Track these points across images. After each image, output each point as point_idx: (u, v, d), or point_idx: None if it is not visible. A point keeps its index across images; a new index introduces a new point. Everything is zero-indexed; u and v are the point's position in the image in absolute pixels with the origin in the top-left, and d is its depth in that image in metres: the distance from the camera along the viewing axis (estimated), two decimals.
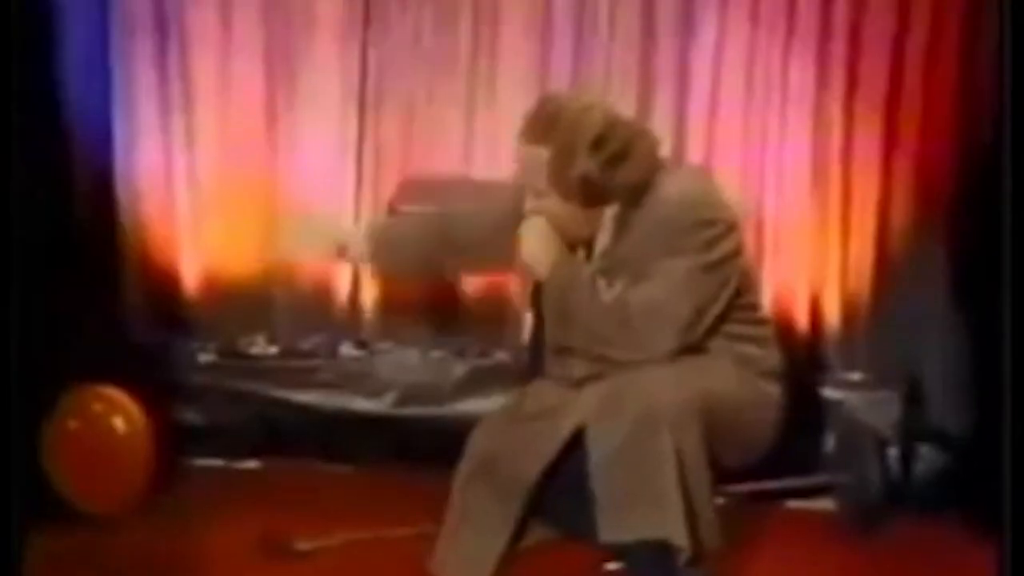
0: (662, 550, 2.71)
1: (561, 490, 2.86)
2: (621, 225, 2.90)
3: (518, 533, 2.93)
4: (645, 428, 2.68)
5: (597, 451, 2.73)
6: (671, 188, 2.87)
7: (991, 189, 4.29)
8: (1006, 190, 3.16)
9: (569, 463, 2.84)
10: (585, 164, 2.82)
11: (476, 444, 2.98)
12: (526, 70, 4.73)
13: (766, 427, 2.96)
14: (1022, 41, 3.16)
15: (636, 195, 2.87)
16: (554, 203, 2.87)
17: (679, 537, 2.68)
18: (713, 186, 2.98)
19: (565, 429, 2.84)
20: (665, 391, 2.72)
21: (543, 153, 2.83)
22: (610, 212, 2.91)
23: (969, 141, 4.51)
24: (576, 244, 2.96)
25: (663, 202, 2.85)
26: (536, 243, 2.90)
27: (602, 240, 2.94)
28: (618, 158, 2.83)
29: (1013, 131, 3.14)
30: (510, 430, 2.94)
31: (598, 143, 2.82)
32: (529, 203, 2.92)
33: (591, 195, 2.85)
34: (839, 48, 4.65)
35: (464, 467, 2.97)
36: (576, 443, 2.82)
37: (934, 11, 4.59)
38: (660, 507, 2.68)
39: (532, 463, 2.86)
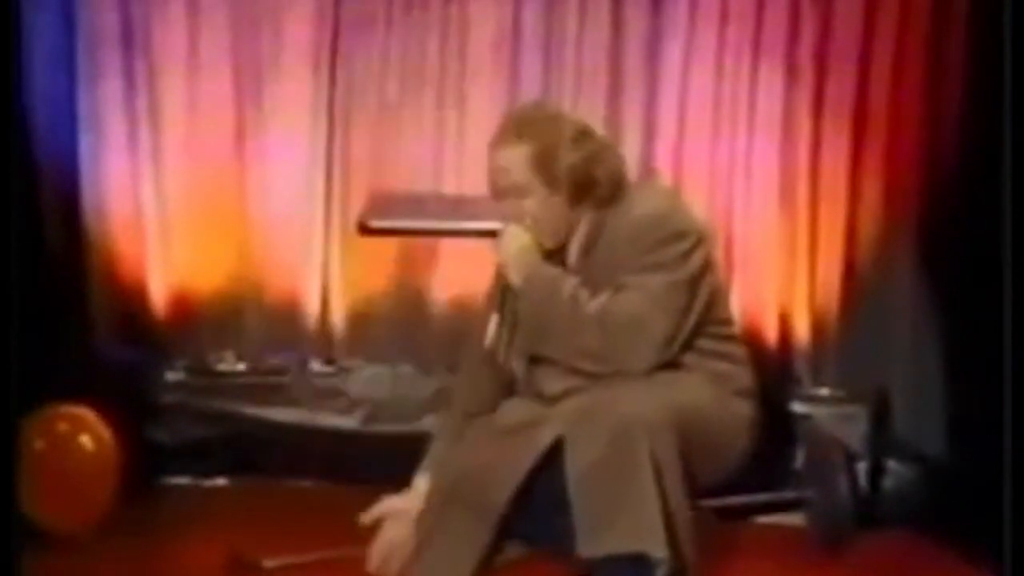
0: (638, 564, 2.69)
1: (536, 505, 2.84)
2: (593, 235, 2.90)
3: (492, 550, 2.91)
4: (623, 440, 2.67)
5: (574, 464, 2.71)
6: (643, 201, 2.90)
7: (958, 206, 4.35)
8: (1005, 205, 3.18)
9: (544, 477, 2.82)
10: (570, 156, 2.85)
11: (448, 461, 2.96)
12: (495, 85, 4.74)
13: (739, 446, 2.95)
14: (1022, 49, 3.20)
15: (609, 201, 2.88)
16: (538, 200, 2.86)
17: (658, 549, 2.66)
18: (681, 201, 3.03)
19: (542, 442, 2.81)
20: (642, 403, 2.71)
21: (525, 149, 2.85)
22: (584, 221, 2.91)
23: (936, 159, 4.54)
24: (550, 252, 2.94)
25: (636, 214, 2.86)
26: (514, 249, 2.89)
27: (574, 250, 2.94)
28: (596, 157, 2.88)
29: (1013, 142, 3.18)
30: (484, 446, 2.92)
31: (577, 140, 2.88)
32: (508, 208, 2.89)
33: (578, 186, 2.86)
34: (806, 69, 4.68)
35: (436, 484, 2.95)
36: (551, 457, 2.81)
37: (899, 32, 4.63)
38: (639, 520, 2.66)
39: (507, 478, 2.83)
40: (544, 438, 2.82)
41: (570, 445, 2.74)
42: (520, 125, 2.91)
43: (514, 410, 2.99)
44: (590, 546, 2.70)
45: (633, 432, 2.67)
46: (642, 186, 3.03)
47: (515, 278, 2.89)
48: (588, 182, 2.86)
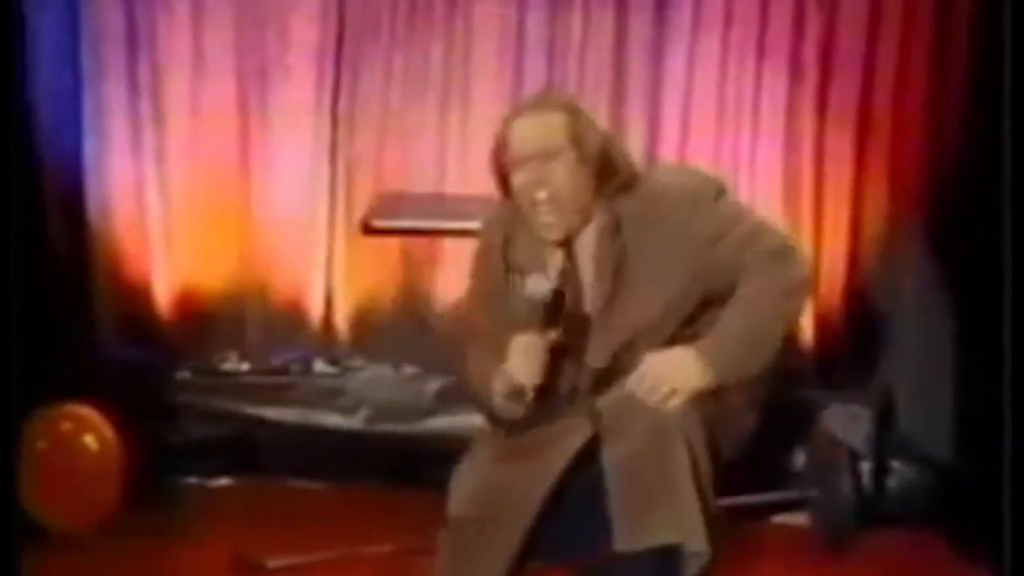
0: (669, 559, 2.68)
1: (559, 513, 2.80)
2: (614, 222, 2.83)
3: (518, 564, 2.84)
4: (659, 432, 2.65)
5: (612, 458, 2.68)
6: (670, 171, 2.92)
7: (962, 208, 4.35)
8: (1006, 205, 3.19)
9: (572, 482, 2.78)
10: (599, 135, 2.84)
11: (469, 477, 2.84)
12: (499, 85, 4.74)
13: (748, 423, 2.92)
14: (1022, 51, 3.20)
15: (624, 189, 2.84)
16: (567, 167, 2.79)
17: (698, 542, 2.64)
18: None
19: (571, 447, 2.75)
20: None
21: (561, 116, 2.82)
22: (599, 212, 2.84)
23: (940, 161, 4.54)
24: (566, 235, 2.84)
25: (674, 180, 2.88)
26: (683, 371, 2.75)
27: (591, 239, 2.85)
28: (616, 143, 2.88)
29: (1014, 142, 3.18)
30: (507, 464, 2.81)
31: (598, 125, 2.88)
32: (528, 173, 2.80)
33: (604, 165, 2.82)
34: (810, 71, 4.68)
35: (459, 505, 2.83)
36: (577, 462, 2.75)
37: (903, 34, 4.63)
38: (679, 512, 2.63)
39: (536, 487, 2.75)
40: (572, 443, 2.75)
41: (607, 439, 2.70)
42: (550, 99, 2.91)
43: (532, 432, 2.89)
44: (629, 539, 2.66)
45: (669, 424, 2.66)
46: (652, 169, 3.01)
47: (710, 379, 2.76)
48: (612, 164, 2.83)
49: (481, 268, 2.98)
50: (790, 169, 4.73)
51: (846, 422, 4.62)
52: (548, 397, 2.85)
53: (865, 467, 4.53)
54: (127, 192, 4.75)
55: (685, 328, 2.84)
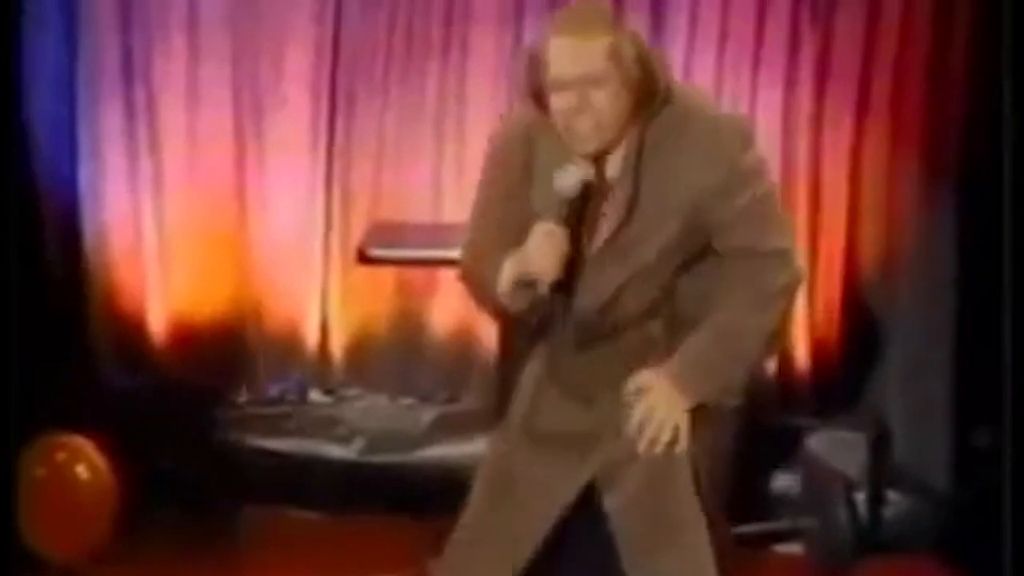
0: None
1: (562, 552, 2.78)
2: (634, 155, 2.69)
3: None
4: (661, 474, 2.63)
5: (615, 504, 2.65)
6: (703, 96, 2.84)
7: (959, 224, 4.35)
8: (1006, 214, 3.19)
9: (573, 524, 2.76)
10: (639, 50, 2.69)
11: (481, 478, 2.79)
12: (495, 114, 4.74)
13: (733, 439, 2.88)
14: (1022, 52, 3.21)
15: (658, 110, 2.71)
16: (607, 95, 2.64)
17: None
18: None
19: (565, 496, 2.70)
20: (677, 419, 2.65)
21: (604, 39, 2.65)
22: (629, 134, 2.70)
23: (937, 173, 4.54)
24: (600, 150, 2.69)
25: (705, 107, 2.76)
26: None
27: (618, 162, 2.70)
28: (655, 56, 2.74)
29: (1014, 149, 3.19)
30: (524, 455, 2.75)
31: (639, 39, 2.73)
32: (568, 100, 2.64)
33: (646, 87, 2.68)
34: (805, 84, 4.68)
35: (477, 491, 2.78)
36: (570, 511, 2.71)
37: (901, 40, 4.62)
38: (687, 550, 2.61)
39: (528, 534, 2.70)
40: (565, 493, 2.70)
41: (607, 487, 2.67)
42: (593, 15, 2.71)
43: (552, 413, 2.80)
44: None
45: (670, 463, 2.63)
46: (687, 88, 2.86)
47: (688, 402, 2.67)
48: (652, 85, 2.69)
49: (497, 163, 2.84)
50: (786, 185, 4.71)
51: (841, 450, 4.61)
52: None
53: (860, 497, 4.52)
54: (123, 220, 4.74)
55: (662, 306, 2.73)
